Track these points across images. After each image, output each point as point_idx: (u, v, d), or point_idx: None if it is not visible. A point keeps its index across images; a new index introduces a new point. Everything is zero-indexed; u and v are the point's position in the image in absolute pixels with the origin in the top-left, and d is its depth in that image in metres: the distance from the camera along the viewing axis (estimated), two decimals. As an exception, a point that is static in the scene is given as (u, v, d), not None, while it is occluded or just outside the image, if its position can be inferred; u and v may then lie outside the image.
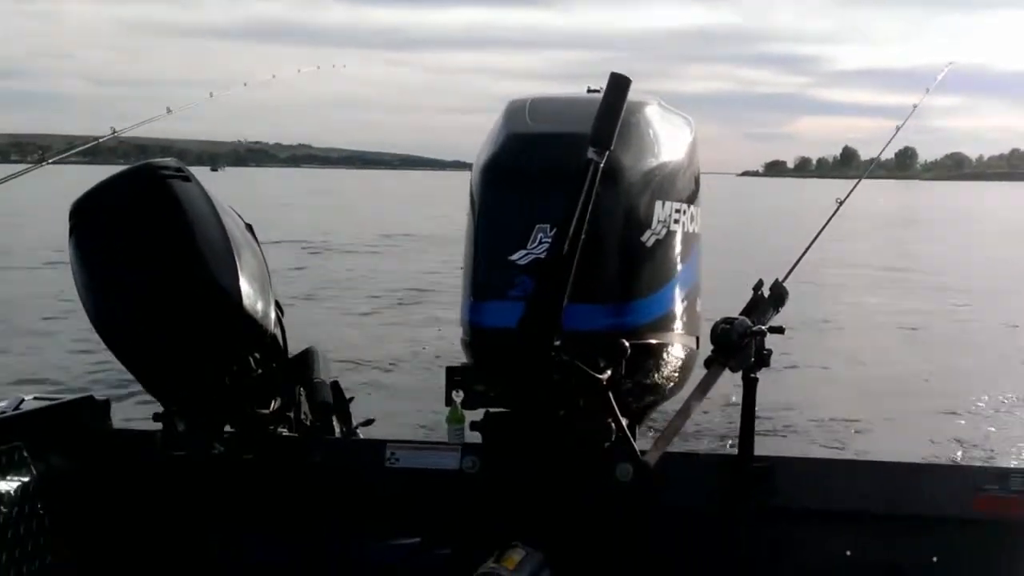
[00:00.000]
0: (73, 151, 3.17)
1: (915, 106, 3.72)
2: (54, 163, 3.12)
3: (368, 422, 3.37)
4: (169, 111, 3.33)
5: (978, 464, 2.98)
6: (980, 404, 9.54)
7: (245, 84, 3.85)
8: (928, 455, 6.99)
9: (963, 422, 8.86)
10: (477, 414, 2.80)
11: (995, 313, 15.64)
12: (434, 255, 22.89)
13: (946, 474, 2.96)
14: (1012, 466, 2.96)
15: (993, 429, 8.64)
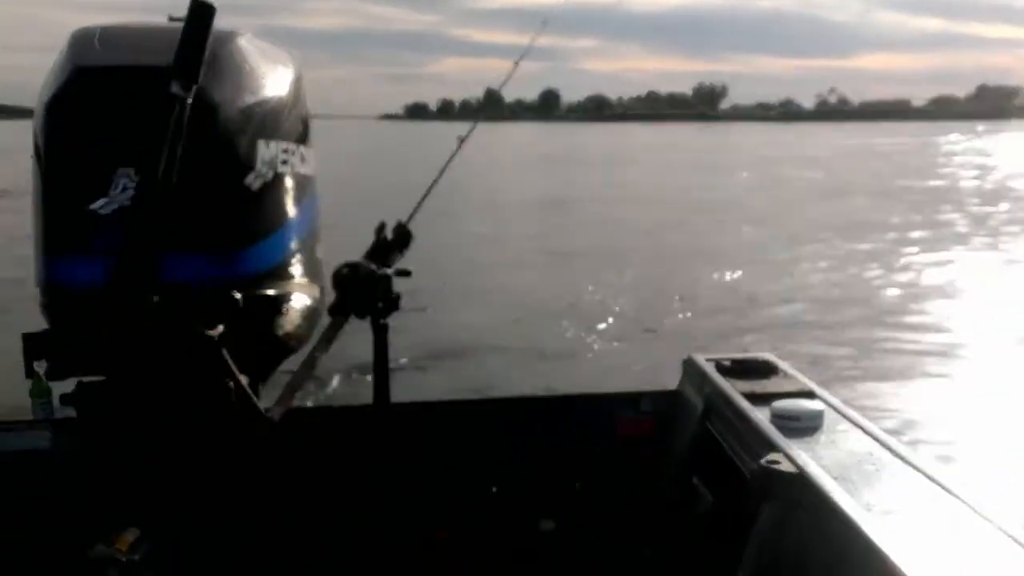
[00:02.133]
0: None
1: (530, 42, 3.76)
2: None
3: None
4: None
5: (612, 392, 3.08)
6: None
7: None
8: (568, 386, 7.30)
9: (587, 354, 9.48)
10: (67, 385, 2.48)
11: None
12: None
13: (581, 403, 3.11)
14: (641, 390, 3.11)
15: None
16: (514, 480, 2.93)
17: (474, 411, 3.03)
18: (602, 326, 10.61)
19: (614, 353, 9.54)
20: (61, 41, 2.52)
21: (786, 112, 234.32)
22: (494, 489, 2.91)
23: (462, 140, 3.40)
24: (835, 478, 2.03)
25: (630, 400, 3.09)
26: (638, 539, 2.86)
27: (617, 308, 11.57)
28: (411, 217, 3.07)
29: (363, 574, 2.80)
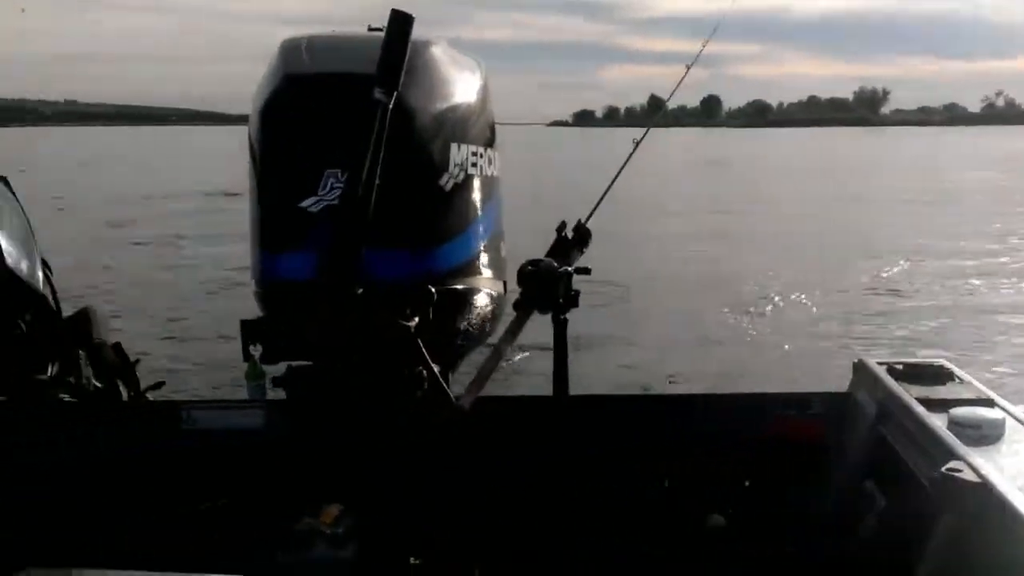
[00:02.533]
0: None
1: (701, 48, 3.79)
2: None
3: (157, 385, 3.21)
4: None
5: (774, 391, 3.08)
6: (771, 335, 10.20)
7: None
8: (728, 386, 7.28)
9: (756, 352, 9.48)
10: (278, 369, 2.69)
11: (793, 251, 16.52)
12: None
13: (747, 402, 3.09)
14: (809, 391, 3.11)
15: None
16: (683, 475, 2.97)
17: (645, 406, 3.08)
18: (771, 328, 10.60)
19: (781, 353, 9.49)
20: (271, 52, 2.71)
21: (951, 116, 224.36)
22: (666, 483, 2.96)
23: (637, 143, 3.48)
24: (1020, 489, 1.97)
25: (798, 401, 3.05)
26: (808, 539, 2.86)
27: (790, 308, 11.54)
28: (590, 216, 3.16)
29: (550, 557, 2.89)
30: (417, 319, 2.59)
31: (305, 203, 2.53)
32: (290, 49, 2.69)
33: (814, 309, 11.56)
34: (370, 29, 2.77)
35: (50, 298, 2.90)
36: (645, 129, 3.57)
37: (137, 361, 3.05)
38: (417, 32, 2.53)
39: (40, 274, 2.81)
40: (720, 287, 12.79)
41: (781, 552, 2.78)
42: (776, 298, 12.11)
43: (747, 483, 3.03)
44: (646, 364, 8.84)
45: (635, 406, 3.07)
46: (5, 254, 2.64)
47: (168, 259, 15.85)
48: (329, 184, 2.51)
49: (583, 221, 3.09)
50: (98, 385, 2.98)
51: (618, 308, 11.06)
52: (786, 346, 9.75)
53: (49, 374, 2.89)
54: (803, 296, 12.28)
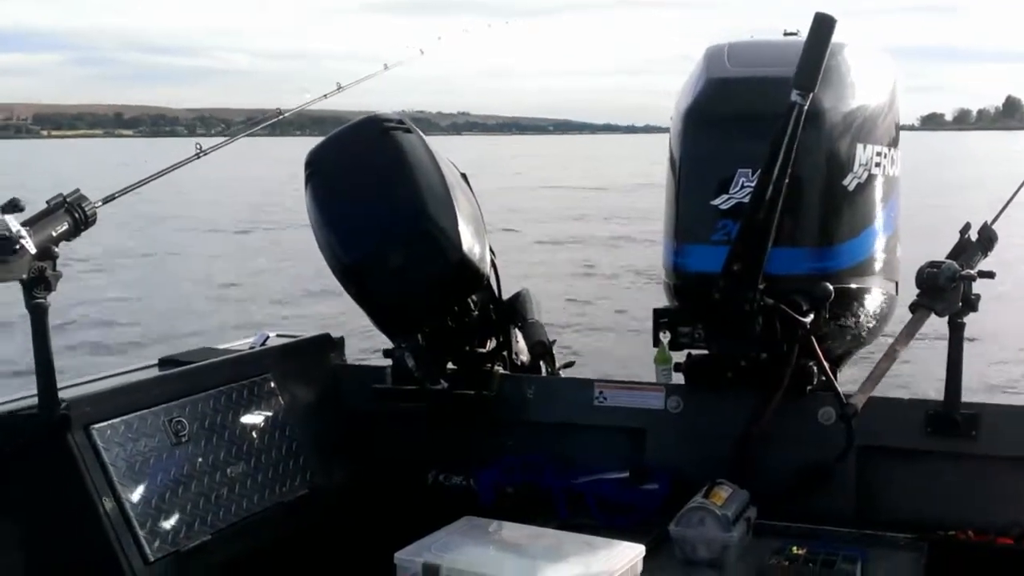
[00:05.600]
0: (262, 124, 3.34)
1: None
2: (247, 136, 3.32)
3: (569, 364, 3.45)
4: (340, 87, 3.41)
5: None
6: None
7: (422, 51, 3.78)
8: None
9: None
10: (682, 355, 2.85)
11: None
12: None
13: None
14: None
15: None
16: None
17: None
18: None
19: None
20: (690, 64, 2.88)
21: None
22: None
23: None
24: None
25: None
26: None
27: None
28: (996, 219, 3.02)
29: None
30: (813, 315, 2.61)
31: (717, 200, 2.63)
32: (714, 55, 2.81)
33: None
34: (785, 34, 2.84)
35: (494, 280, 3.16)
36: None
37: (554, 341, 3.33)
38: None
39: (488, 258, 3.07)
40: None
41: None
42: None
43: None
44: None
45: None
46: (463, 239, 2.89)
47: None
48: (741, 183, 2.59)
49: (989, 223, 2.97)
50: (524, 361, 3.23)
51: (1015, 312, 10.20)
52: None
53: (488, 348, 3.17)
54: None
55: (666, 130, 2.91)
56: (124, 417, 2.54)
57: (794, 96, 2.47)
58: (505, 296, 3.23)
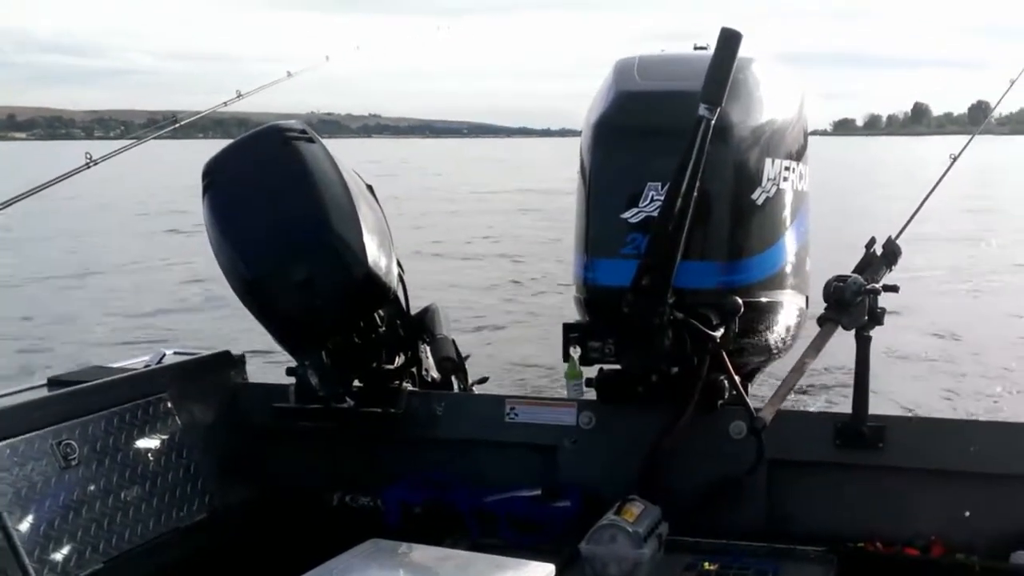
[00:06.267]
0: (157, 133, 3.24)
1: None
2: (154, 139, 3.20)
3: (482, 380, 3.40)
4: (239, 95, 3.33)
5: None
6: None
7: (327, 58, 3.64)
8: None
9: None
10: (592, 370, 2.81)
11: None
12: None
13: None
14: None
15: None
16: (988, 506, 2.79)
17: (946, 431, 2.91)
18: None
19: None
20: (605, 69, 2.84)
21: None
22: (967, 513, 2.79)
23: (955, 158, 3.30)
24: None
25: None
26: None
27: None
28: (900, 233, 3.06)
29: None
30: (723, 329, 2.59)
31: (627, 214, 2.60)
32: (623, 68, 2.79)
33: None
34: (695, 48, 2.82)
35: (401, 295, 3.08)
36: (968, 138, 3.40)
37: (467, 356, 3.27)
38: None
39: (395, 272, 2.99)
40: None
41: None
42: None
43: None
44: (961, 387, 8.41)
45: (937, 429, 2.92)
46: (368, 253, 2.80)
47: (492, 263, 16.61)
48: (650, 196, 2.57)
49: (893, 237, 3.00)
50: (435, 377, 3.16)
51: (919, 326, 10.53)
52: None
53: (396, 364, 3.09)
54: None
55: (580, 134, 2.88)
56: (9, 440, 2.42)
57: (702, 110, 2.46)
58: (413, 311, 3.16)
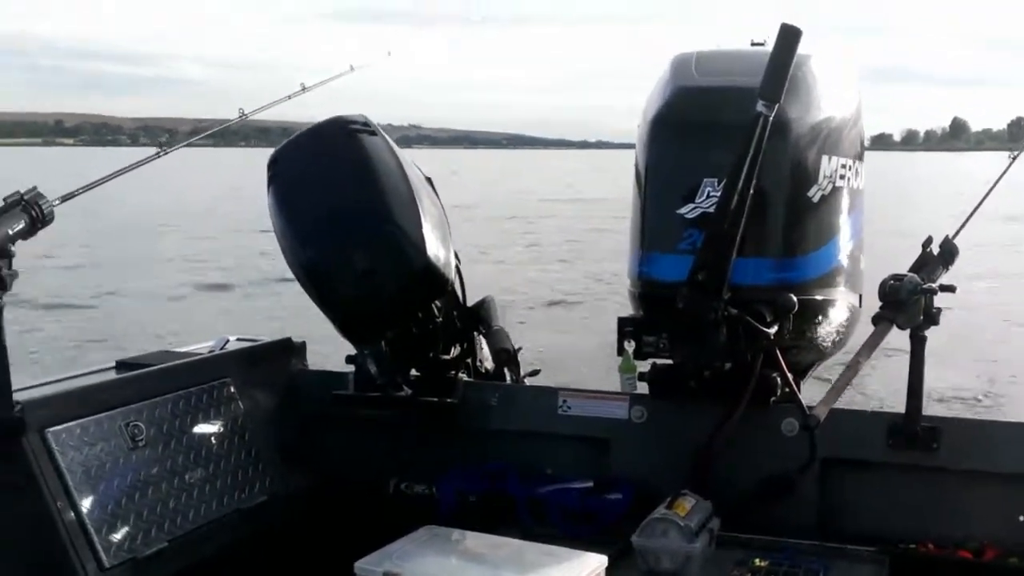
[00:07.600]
0: (201, 135, 3.30)
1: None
2: (184, 147, 3.25)
3: (534, 372, 3.43)
4: (303, 87, 3.36)
5: None
6: None
7: (389, 53, 3.65)
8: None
9: None
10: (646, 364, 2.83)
11: None
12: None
13: None
14: None
15: None
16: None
17: (999, 434, 2.89)
18: None
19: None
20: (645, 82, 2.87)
21: None
22: (1020, 517, 2.77)
23: (1014, 157, 3.28)
24: None
25: None
26: None
27: None
28: (957, 233, 3.04)
29: None
30: (777, 326, 2.60)
31: (683, 209, 2.61)
32: (681, 63, 2.79)
33: None
34: (752, 44, 2.82)
35: (458, 286, 3.11)
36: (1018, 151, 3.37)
37: (519, 349, 3.30)
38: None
39: (453, 264, 3.01)
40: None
41: None
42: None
43: None
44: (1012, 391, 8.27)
45: (991, 432, 2.90)
46: (428, 244, 2.83)
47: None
48: (706, 192, 2.58)
49: (950, 237, 2.99)
50: (488, 368, 3.20)
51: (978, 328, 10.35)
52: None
53: (452, 355, 3.14)
54: None
55: (618, 146, 2.91)
56: (80, 421, 2.47)
57: (760, 106, 2.46)
58: (470, 303, 3.20)
